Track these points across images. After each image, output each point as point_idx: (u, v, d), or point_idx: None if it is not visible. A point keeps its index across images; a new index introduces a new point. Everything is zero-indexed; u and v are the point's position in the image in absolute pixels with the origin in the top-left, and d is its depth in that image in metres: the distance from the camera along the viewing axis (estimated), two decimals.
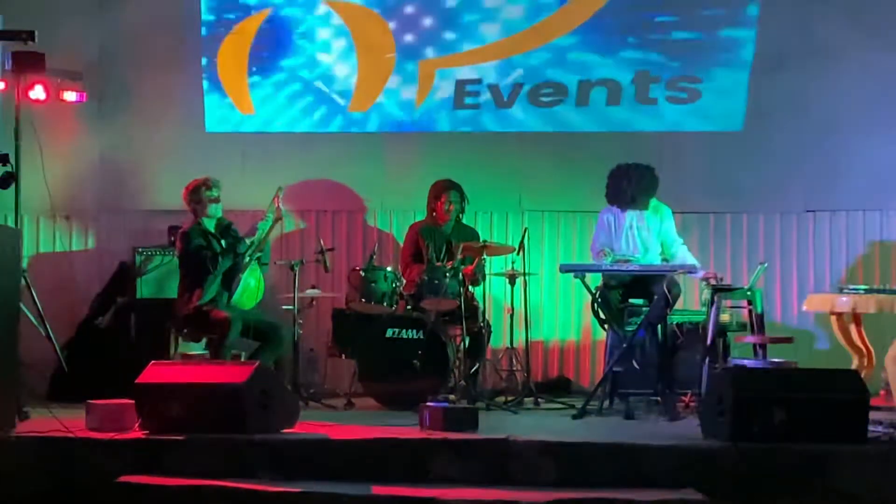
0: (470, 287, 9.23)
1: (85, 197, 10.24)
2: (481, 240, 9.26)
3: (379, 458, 6.88)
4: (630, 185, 8.90)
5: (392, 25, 10.27)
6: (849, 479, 6.63)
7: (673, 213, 9.17)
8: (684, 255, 9.01)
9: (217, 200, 8.71)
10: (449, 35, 10.28)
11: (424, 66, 10.28)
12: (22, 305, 8.06)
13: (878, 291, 8.14)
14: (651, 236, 9.03)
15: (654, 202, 9.04)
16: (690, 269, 8.67)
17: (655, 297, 8.49)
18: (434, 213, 9.48)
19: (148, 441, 7.00)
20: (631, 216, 9.02)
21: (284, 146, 10.27)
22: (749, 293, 8.55)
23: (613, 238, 9.04)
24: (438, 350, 8.76)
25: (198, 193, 8.70)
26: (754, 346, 8.47)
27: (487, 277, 9.40)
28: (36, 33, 8.84)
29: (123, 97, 10.21)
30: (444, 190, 9.43)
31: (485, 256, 9.19)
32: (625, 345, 8.47)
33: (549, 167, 10.17)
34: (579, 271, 8.58)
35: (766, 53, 10.03)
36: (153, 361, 7.50)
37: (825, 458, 6.69)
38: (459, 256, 8.96)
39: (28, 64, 9.03)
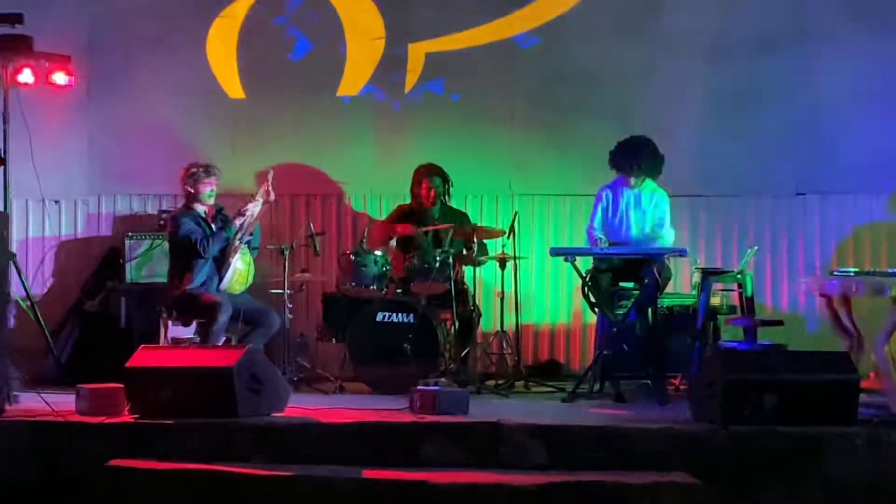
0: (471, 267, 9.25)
1: (74, 181, 10.20)
2: (471, 223, 9.26)
3: (369, 442, 6.89)
4: (636, 148, 8.91)
5: (381, 8, 10.23)
6: (839, 461, 6.66)
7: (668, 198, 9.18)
8: (669, 235, 9.02)
9: (212, 185, 8.69)
10: (439, 17, 10.24)
11: (414, 49, 10.25)
12: (11, 290, 8.05)
13: (869, 274, 8.13)
14: (645, 218, 9.04)
15: (651, 185, 9.05)
16: (680, 252, 8.67)
17: (646, 280, 8.50)
18: (418, 199, 9.47)
19: (138, 425, 7.01)
20: (628, 195, 9.03)
21: (274, 130, 10.24)
22: (739, 276, 8.57)
23: (609, 217, 9.06)
24: (429, 334, 8.76)
25: (195, 177, 8.68)
26: (744, 329, 8.48)
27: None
28: (24, 16, 8.86)
29: (113, 81, 10.15)
30: (424, 175, 9.43)
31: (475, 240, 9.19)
32: (615, 328, 8.48)
33: (539, 151, 10.16)
34: (570, 255, 8.58)
35: (757, 36, 10.02)
36: (143, 346, 7.50)
37: (815, 440, 6.72)
38: (449, 236, 8.99)
39: (16, 47, 8.99)
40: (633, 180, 8.98)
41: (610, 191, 9.12)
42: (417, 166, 9.51)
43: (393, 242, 9.50)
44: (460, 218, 9.45)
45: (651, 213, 9.04)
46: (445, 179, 9.45)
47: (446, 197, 9.51)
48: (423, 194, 9.41)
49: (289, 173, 9.89)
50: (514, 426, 6.92)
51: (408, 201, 9.69)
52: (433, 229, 9.21)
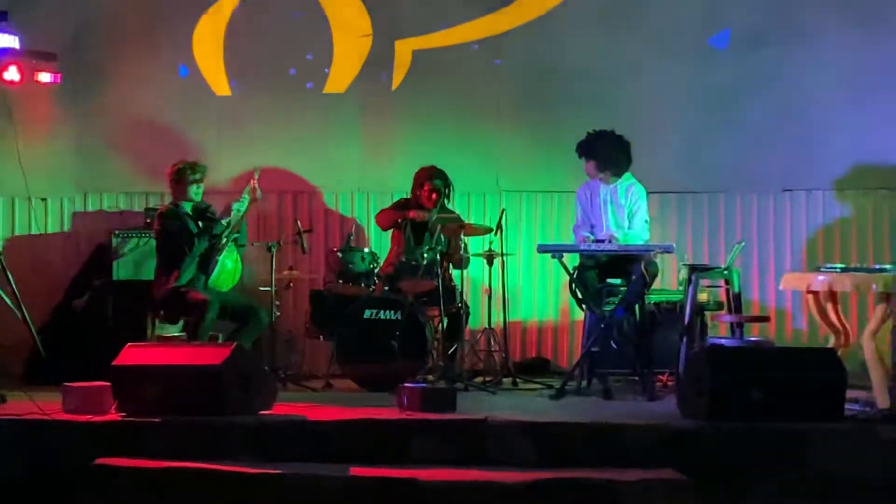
0: (452, 269, 9.23)
1: (61, 179, 10.18)
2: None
3: (357, 440, 6.89)
4: (596, 137, 8.97)
5: (368, 5, 10.22)
6: (826, 456, 6.67)
7: (648, 193, 9.20)
8: (639, 229, 9.05)
9: (199, 183, 8.68)
10: (426, 14, 10.24)
11: (401, 46, 10.24)
12: None
13: (855, 270, 8.15)
14: (623, 213, 9.07)
15: (629, 179, 9.09)
16: (667, 249, 8.69)
17: (633, 276, 8.51)
18: (419, 200, 9.44)
19: (125, 423, 7.00)
20: (605, 191, 9.09)
21: (261, 127, 10.23)
22: (726, 272, 8.57)
23: (590, 214, 9.11)
24: (416, 331, 8.76)
25: (181, 174, 8.67)
26: (731, 325, 8.49)
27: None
28: (9, 14, 8.84)
29: (99, 79, 10.14)
30: (427, 178, 9.39)
31: (463, 239, 9.18)
32: (603, 325, 8.49)
33: (526, 148, 10.16)
34: (557, 251, 8.60)
35: (742, 31, 10.03)
36: (130, 343, 7.48)
37: (802, 436, 6.73)
38: (439, 234, 8.98)
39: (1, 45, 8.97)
40: (593, 166, 9.01)
41: (588, 189, 9.17)
42: (420, 168, 9.48)
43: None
44: (455, 219, 9.42)
45: (628, 207, 9.08)
46: (447, 184, 9.41)
47: (446, 200, 9.47)
48: (425, 196, 9.38)
49: (276, 171, 9.88)
50: (502, 423, 6.92)
51: (395, 198, 9.68)
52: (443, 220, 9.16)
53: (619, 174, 9.07)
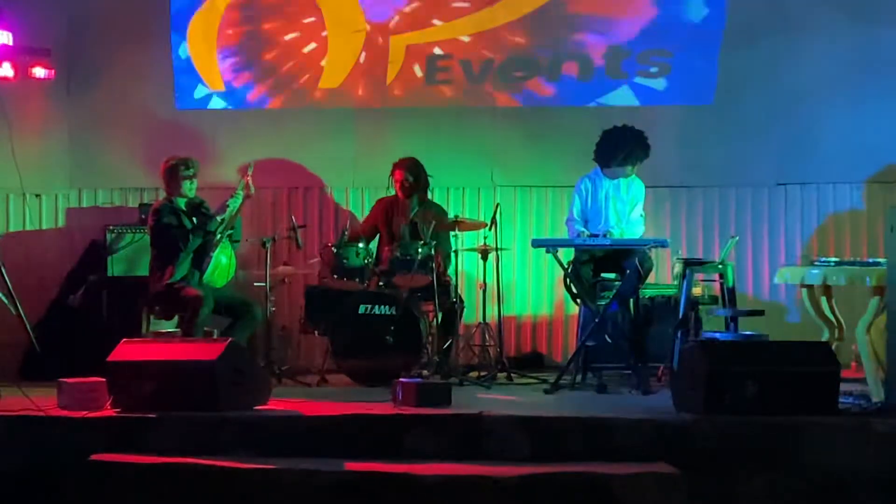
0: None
1: (55, 175, 10.18)
2: (452, 215, 9.24)
3: (352, 435, 6.89)
4: (627, 143, 8.94)
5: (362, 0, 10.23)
6: (820, 450, 6.67)
7: (645, 187, 9.21)
8: (635, 223, 9.06)
9: (192, 179, 8.69)
10: (420, 10, 10.24)
11: (395, 42, 10.24)
12: None
13: (849, 264, 8.16)
14: (625, 208, 9.08)
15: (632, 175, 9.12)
16: (662, 243, 8.69)
17: (627, 271, 8.51)
18: (395, 190, 9.49)
19: (120, 419, 7.00)
20: (607, 185, 9.08)
21: (255, 123, 10.23)
22: (720, 266, 8.58)
23: (589, 208, 9.11)
24: (411, 326, 8.76)
25: (174, 171, 8.69)
26: (726, 319, 8.50)
27: (460, 253, 9.39)
28: (2, 10, 8.83)
29: (93, 74, 10.14)
30: (396, 167, 9.43)
31: (453, 233, 9.18)
32: (597, 319, 8.49)
33: (520, 142, 10.16)
34: (551, 246, 8.60)
35: (736, 26, 10.03)
36: (125, 339, 7.48)
37: (796, 429, 6.73)
38: (430, 230, 8.98)
39: None
40: (628, 169, 9.02)
41: (589, 181, 9.17)
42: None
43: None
44: (438, 212, 9.43)
45: (630, 201, 9.09)
46: (419, 172, 9.41)
47: (422, 191, 9.47)
48: (397, 187, 9.42)
49: (270, 166, 9.87)
50: (497, 418, 6.92)
51: (391, 193, 9.69)
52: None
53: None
